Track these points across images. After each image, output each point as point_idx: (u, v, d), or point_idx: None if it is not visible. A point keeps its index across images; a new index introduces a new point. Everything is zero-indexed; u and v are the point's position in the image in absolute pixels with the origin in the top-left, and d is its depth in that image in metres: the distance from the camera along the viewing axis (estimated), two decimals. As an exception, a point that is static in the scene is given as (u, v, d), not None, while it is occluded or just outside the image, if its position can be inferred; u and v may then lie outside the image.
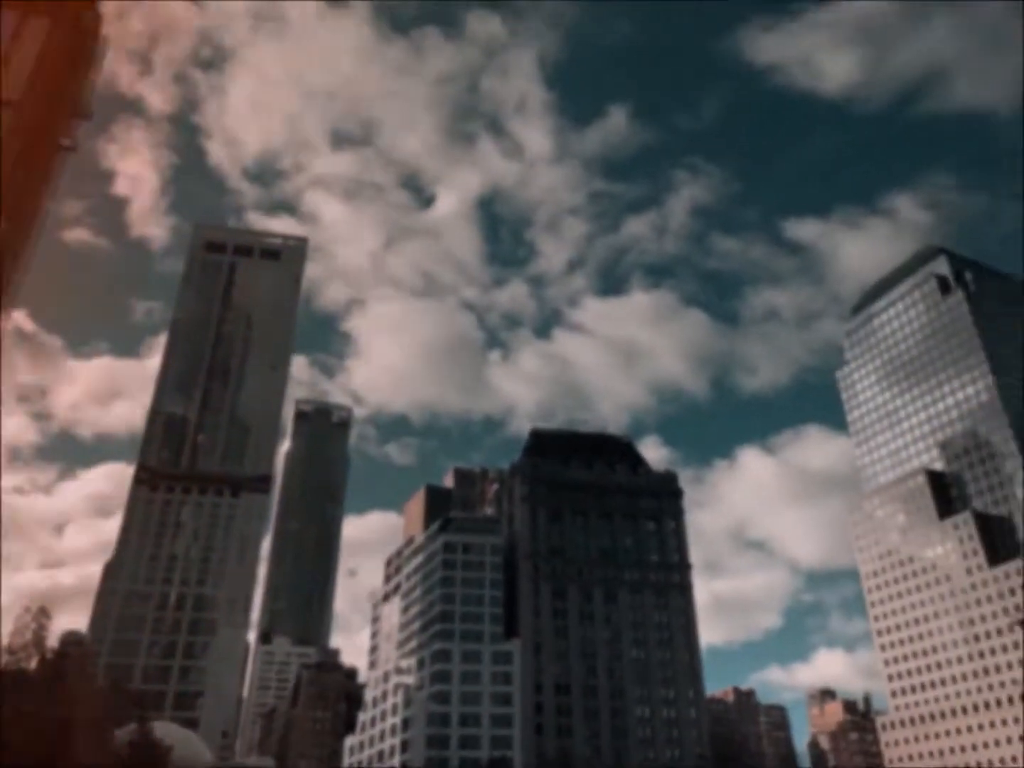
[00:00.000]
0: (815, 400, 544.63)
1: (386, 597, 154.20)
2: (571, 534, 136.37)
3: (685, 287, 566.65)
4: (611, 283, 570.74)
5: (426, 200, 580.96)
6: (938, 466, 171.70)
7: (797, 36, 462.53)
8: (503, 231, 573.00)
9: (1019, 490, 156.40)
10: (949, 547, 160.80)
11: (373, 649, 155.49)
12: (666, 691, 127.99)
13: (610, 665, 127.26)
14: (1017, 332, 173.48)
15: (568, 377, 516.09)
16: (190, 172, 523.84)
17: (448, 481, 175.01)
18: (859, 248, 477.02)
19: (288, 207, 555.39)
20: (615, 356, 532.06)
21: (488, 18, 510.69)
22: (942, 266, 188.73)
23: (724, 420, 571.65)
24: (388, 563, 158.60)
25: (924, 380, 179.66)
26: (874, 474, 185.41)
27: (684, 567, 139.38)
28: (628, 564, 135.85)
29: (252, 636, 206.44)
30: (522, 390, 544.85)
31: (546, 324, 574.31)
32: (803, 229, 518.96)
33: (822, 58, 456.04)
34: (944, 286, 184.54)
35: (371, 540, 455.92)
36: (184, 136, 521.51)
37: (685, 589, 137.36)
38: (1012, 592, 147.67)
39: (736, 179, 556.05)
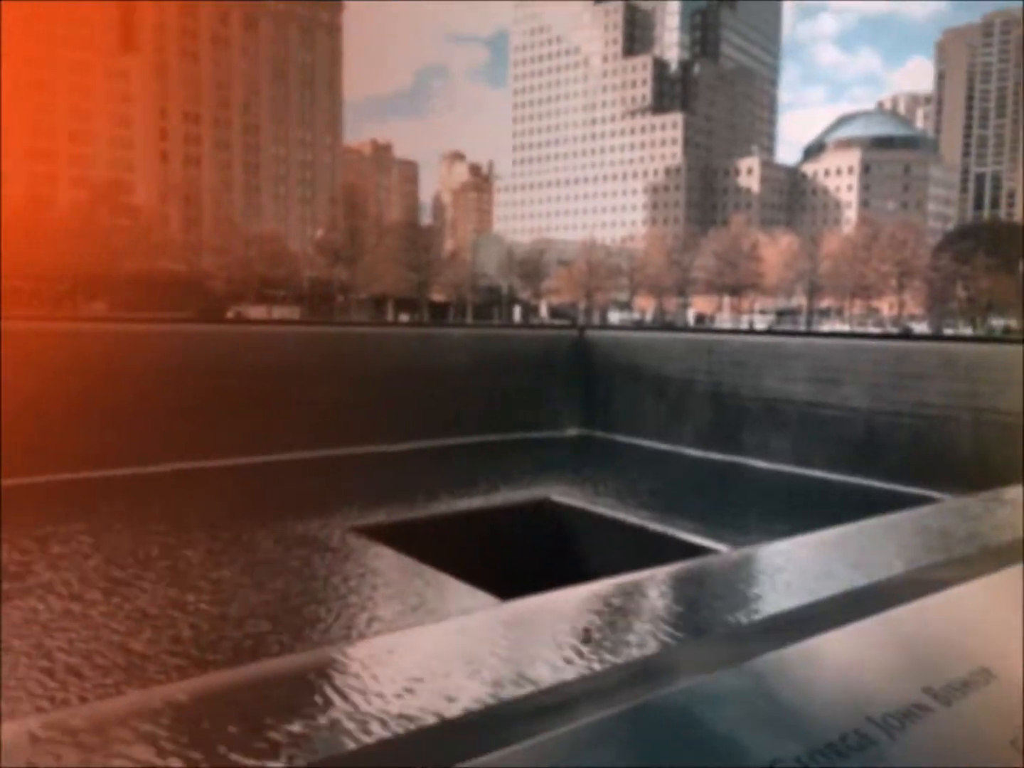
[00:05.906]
0: None
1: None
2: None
3: None
4: None
5: None
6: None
7: None
8: None
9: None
10: (596, 33, 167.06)
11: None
12: (304, 134, 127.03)
13: (246, 100, 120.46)
14: None
15: None
16: None
17: None
18: None
19: None
20: None
21: None
22: None
23: None
24: None
25: None
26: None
27: (335, 8, 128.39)
28: None
29: None
30: None
31: None
32: None
33: None
34: None
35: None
36: None
37: (334, 31, 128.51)
38: (634, 84, 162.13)
39: None
